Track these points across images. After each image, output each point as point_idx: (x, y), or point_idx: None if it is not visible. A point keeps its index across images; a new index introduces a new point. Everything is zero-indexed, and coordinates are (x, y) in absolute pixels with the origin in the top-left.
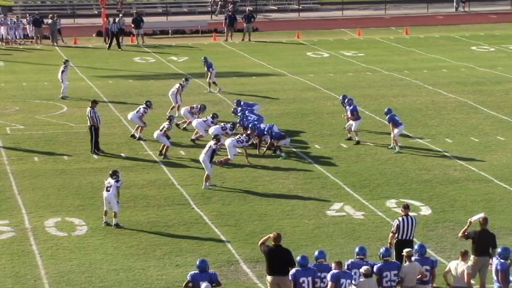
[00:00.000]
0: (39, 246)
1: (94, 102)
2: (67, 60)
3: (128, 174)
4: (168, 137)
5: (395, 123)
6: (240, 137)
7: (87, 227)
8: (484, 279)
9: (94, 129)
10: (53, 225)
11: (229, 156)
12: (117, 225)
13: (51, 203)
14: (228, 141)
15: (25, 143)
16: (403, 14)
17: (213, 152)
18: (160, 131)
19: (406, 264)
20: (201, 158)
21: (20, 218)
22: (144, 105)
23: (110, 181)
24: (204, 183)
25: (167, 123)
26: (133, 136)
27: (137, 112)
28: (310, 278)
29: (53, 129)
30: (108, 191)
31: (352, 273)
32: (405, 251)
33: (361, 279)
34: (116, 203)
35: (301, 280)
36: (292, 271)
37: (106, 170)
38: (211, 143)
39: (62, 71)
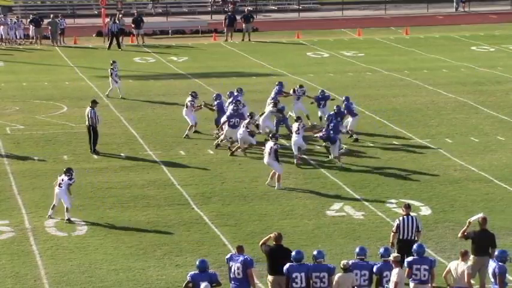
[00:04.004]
0: (39, 246)
1: (94, 102)
2: (114, 62)
3: (128, 174)
4: (252, 135)
5: (352, 113)
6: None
7: (87, 227)
8: (483, 279)
9: (93, 130)
10: (53, 225)
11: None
12: (69, 220)
13: (51, 203)
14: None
15: (25, 143)
16: (403, 14)
17: (275, 152)
18: (246, 128)
19: (396, 270)
20: (265, 161)
21: (20, 218)
22: (189, 98)
23: (63, 178)
24: (276, 183)
25: (248, 120)
26: (190, 134)
27: (187, 107)
28: (303, 274)
29: (53, 129)
30: (61, 187)
31: (354, 274)
32: (393, 256)
33: (339, 274)
34: (67, 199)
35: (294, 275)
36: (286, 266)
37: (106, 170)
38: (271, 143)
39: (111, 73)
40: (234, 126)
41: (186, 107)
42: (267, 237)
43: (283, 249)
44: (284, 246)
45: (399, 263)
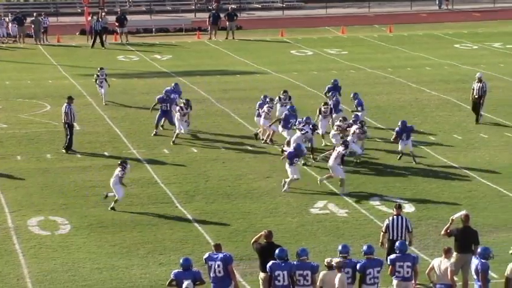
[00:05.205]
0: (22, 246)
1: (70, 98)
2: (102, 68)
3: (111, 172)
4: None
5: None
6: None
7: (70, 225)
8: (466, 276)
9: (68, 126)
10: (36, 224)
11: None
12: (112, 208)
13: (34, 201)
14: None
15: (8, 142)
16: (386, 12)
17: (342, 157)
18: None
19: (339, 275)
20: (329, 164)
21: (3, 217)
22: (181, 104)
23: (118, 169)
24: (340, 188)
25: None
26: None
27: (179, 113)
28: (286, 272)
29: (36, 128)
30: (115, 178)
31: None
32: (335, 261)
33: (323, 272)
34: (119, 190)
35: (276, 273)
36: (269, 263)
37: (89, 169)
38: (340, 148)
39: (95, 79)
40: (289, 128)
41: (178, 112)
42: (258, 235)
43: (274, 247)
44: (275, 243)
45: (341, 268)
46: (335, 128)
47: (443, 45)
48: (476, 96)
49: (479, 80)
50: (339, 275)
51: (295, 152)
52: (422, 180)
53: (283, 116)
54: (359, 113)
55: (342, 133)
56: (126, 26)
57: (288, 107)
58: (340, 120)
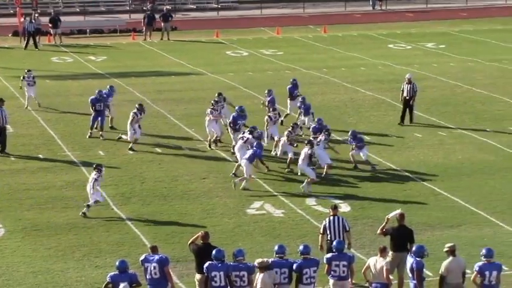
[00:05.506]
0: None
1: (1, 101)
2: (29, 70)
3: (46, 175)
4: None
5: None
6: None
7: (4, 229)
8: (402, 274)
9: (0, 130)
10: None
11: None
12: (84, 214)
13: None
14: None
15: None
16: (321, 13)
17: (309, 158)
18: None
19: (261, 276)
20: (298, 166)
21: None
22: (134, 109)
23: (92, 174)
24: (306, 185)
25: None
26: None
27: (133, 119)
28: (222, 273)
29: None
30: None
31: (274, 272)
32: (257, 262)
33: (260, 274)
34: (91, 195)
35: (213, 274)
36: (206, 264)
37: (23, 172)
38: (306, 149)
39: (21, 80)
40: (239, 130)
41: (132, 119)
42: (195, 236)
43: (210, 248)
44: (212, 244)
45: (264, 268)
46: (286, 134)
47: (377, 46)
48: (407, 98)
49: (409, 81)
50: (261, 275)
51: (255, 152)
52: (358, 179)
53: (231, 118)
54: (305, 118)
55: (292, 143)
56: (60, 27)
57: (225, 108)
58: (292, 127)
